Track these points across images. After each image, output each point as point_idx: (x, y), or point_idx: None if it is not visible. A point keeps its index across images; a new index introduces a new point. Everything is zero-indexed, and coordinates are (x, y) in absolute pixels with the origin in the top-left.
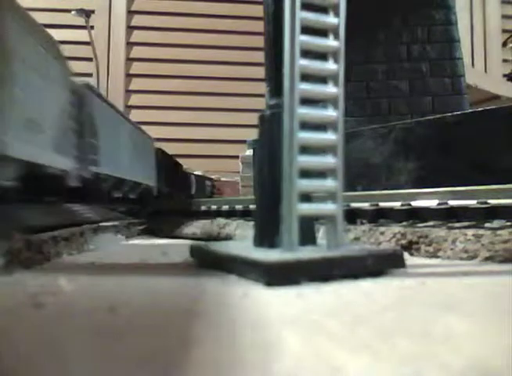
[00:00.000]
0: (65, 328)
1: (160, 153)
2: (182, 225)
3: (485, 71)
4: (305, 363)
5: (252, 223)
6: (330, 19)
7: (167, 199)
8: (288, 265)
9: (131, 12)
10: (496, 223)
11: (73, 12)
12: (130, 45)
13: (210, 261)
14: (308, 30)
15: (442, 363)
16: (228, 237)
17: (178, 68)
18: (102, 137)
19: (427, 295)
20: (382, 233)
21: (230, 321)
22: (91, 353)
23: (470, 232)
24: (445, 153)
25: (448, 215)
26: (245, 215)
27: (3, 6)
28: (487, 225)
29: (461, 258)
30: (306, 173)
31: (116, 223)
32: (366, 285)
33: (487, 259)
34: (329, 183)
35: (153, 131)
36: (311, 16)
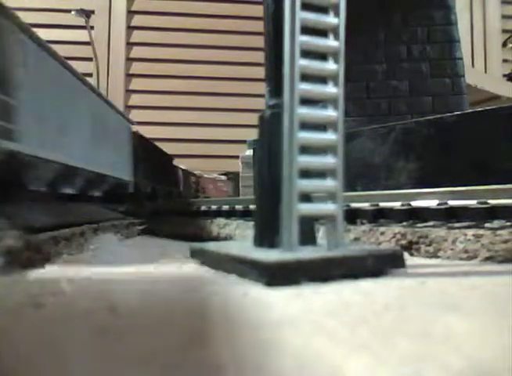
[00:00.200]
0: (65, 328)
1: (139, 139)
2: (182, 225)
3: (485, 71)
4: (305, 363)
5: (252, 223)
6: (330, 19)
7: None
8: (288, 265)
9: (131, 12)
10: (496, 223)
11: (73, 12)
12: (130, 45)
13: (210, 261)
14: (308, 30)
15: (442, 363)
16: (228, 237)
17: (178, 68)
18: (31, 97)
19: (427, 295)
20: (382, 233)
21: (230, 321)
22: (91, 353)
23: (470, 232)
24: (445, 153)
25: (448, 215)
26: (245, 215)
27: None
28: (487, 225)
29: (461, 258)
30: (306, 173)
31: (116, 223)
32: (366, 285)
33: (487, 259)
34: (329, 183)
35: (153, 131)
36: (311, 16)
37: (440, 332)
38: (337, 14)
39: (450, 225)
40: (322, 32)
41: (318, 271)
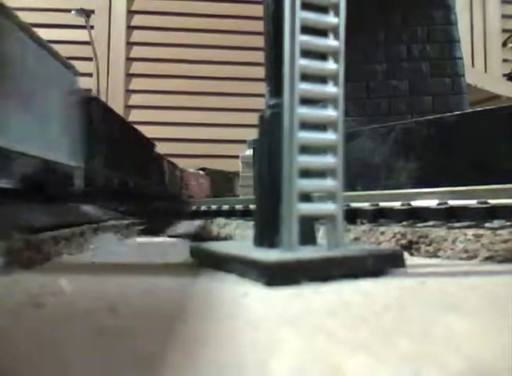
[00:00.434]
0: (65, 328)
1: (97, 106)
2: (182, 225)
3: (485, 71)
4: (305, 363)
5: (252, 223)
6: (330, 19)
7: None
8: (288, 265)
9: (131, 12)
10: (496, 223)
11: (73, 12)
12: (130, 44)
13: (210, 261)
14: (308, 30)
15: (442, 363)
16: (228, 237)
17: (178, 68)
18: None
19: (427, 295)
20: (382, 233)
21: (230, 321)
22: (91, 353)
23: (470, 232)
24: (445, 153)
25: (448, 215)
26: (245, 214)
27: None
28: (487, 225)
29: (461, 258)
30: (306, 173)
31: (116, 223)
32: (366, 285)
33: (487, 259)
34: (329, 183)
35: (153, 131)
36: (311, 16)
37: (440, 332)
38: (337, 14)
39: (450, 224)
40: (322, 32)
41: (318, 271)
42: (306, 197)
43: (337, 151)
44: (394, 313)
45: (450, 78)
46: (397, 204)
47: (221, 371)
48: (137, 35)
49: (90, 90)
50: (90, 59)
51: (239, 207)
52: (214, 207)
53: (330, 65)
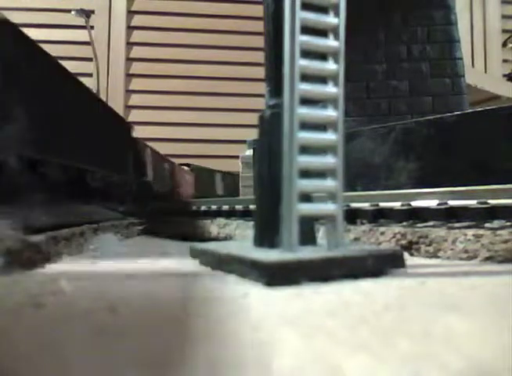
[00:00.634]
0: (65, 328)
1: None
2: (181, 225)
3: (485, 71)
4: (305, 363)
5: (252, 223)
6: (330, 19)
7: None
8: (288, 265)
9: (131, 12)
10: (496, 223)
11: (73, 12)
12: (130, 45)
13: (210, 261)
14: (308, 30)
15: (442, 363)
16: (228, 237)
17: (178, 68)
18: None
19: (427, 295)
20: (382, 233)
21: (230, 321)
22: (91, 353)
23: (470, 232)
24: (445, 153)
25: (448, 215)
26: (245, 215)
27: None
28: (487, 225)
29: (461, 258)
30: (306, 173)
31: (116, 223)
32: (366, 285)
33: (487, 259)
34: (329, 183)
35: (154, 132)
36: (311, 16)
37: (440, 332)
38: (337, 14)
39: (450, 225)
40: (322, 32)
41: (318, 271)
42: (306, 197)
43: (337, 151)
44: (395, 313)
45: (450, 79)
46: (397, 205)
47: (221, 371)
48: (137, 35)
49: None
50: (90, 59)
51: (239, 207)
52: (214, 207)
53: (330, 65)
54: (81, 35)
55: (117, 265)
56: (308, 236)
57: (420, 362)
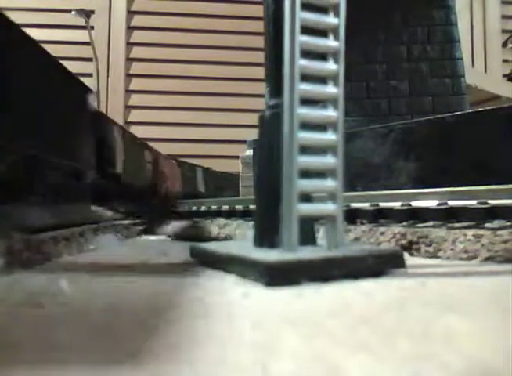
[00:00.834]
0: (65, 328)
1: None
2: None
3: (485, 71)
4: (305, 363)
5: (252, 223)
6: (330, 20)
7: None
8: (288, 265)
9: (131, 12)
10: (496, 223)
11: (73, 12)
12: (130, 45)
13: (210, 261)
14: (308, 30)
15: (442, 363)
16: (228, 237)
17: (178, 68)
18: None
19: (427, 295)
20: (382, 233)
21: (230, 321)
22: (91, 354)
23: (470, 232)
24: (445, 153)
25: (448, 215)
26: (245, 215)
27: None
28: (487, 225)
29: (461, 259)
30: (306, 173)
31: (116, 223)
32: (366, 285)
33: (487, 259)
34: (329, 183)
35: (154, 132)
36: (311, 16)
37: (440, 332)
38: (337, 14)
39: (450, 225)
40: (322, 32)
41: (318, 271)
42: (306, 198)
43: (337, 151)
44: (395, 313)
45: (450, 79)
46: (397, 205)
47: (220, 371)
48: (137, 36)
49: None
50: (90, 59)
51: (239, 207)
52: (214, 207)
53: (330, 65)
54: (81, 35)
55: (116, 264)
56: (308, 236)
57: (420, 362)
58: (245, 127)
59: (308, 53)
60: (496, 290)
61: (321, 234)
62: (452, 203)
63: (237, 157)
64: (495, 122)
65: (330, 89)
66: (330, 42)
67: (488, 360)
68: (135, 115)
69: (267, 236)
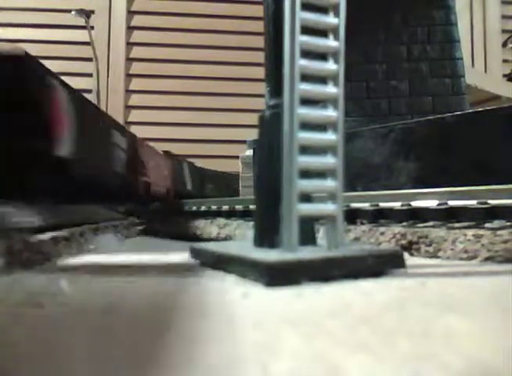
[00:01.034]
0: (65, 328)
1: None
2: (181, 225)
3: (485, 71)
4: (305, 363)
5: (252, 223)
6: (330, 20)
7: None
8: (288, 265)
9: (131, 12)
10: (496, 223)
11: (73, 13)
12: (130, 45)
13: (210, 261)
14: (308, 30)
15: (442, 363)
16: (228, 237)
17: (178, 68)
18: None
19: (427, 295)
20: (382, 234)
21: (230, 321)
22: (91, 353)
23: (470, 232)
24: (445, 153)
25: (448, 216)
26: (245, 215)
27: None
28: (487, 225)
29: (461, 259)
30: (306, 173)
31: (116, 223)
32: (367, 285)
33: (487, 259)
34: (329, 183)
35: (154, 132)
36: (311, 16)
37: (440, 332)
38: (337, 14)
39: (450, 225)
40: (322, 32)
41: (318, 271)
42: (306, 198)
43: (337, 151)
44: (395, 313)
45: (450, 79)
46: (397, 205)
47: (221, 371)
48: (137, 36)
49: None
50: (90, 59)
51: (239, 207)
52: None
53: (330, 65)
54: (81, 35)
55: (117, 264)
56: (308, 236)
57: (420, 362)
58: (245, 127)
59: (308, 53)
60: (496, 290)
61: (321, 234)
62: (452, 203)
63: (237, 157)
64: (495, 122)
65: (330, 89)
66: (330, 42)
67: (488, 360)
68: (135, 115)
69: (267, 236)
